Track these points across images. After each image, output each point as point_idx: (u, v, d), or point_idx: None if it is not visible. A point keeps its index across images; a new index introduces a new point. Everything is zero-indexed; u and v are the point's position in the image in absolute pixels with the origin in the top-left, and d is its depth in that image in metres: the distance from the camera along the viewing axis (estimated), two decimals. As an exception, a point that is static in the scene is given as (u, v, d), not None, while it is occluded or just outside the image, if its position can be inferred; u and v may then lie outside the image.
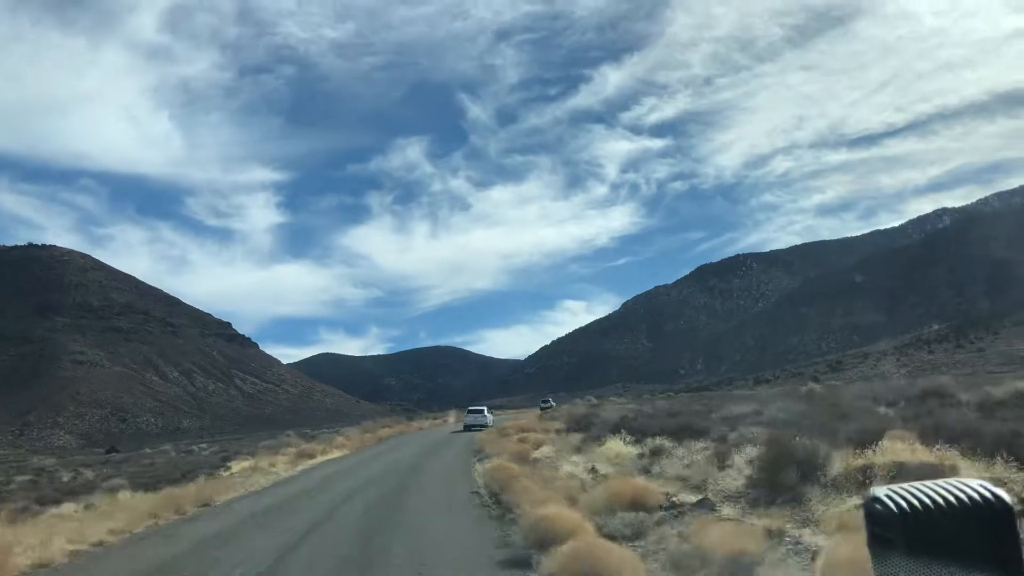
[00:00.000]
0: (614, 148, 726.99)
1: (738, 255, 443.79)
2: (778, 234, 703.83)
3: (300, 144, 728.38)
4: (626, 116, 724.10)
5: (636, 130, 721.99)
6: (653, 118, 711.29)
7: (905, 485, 1.38)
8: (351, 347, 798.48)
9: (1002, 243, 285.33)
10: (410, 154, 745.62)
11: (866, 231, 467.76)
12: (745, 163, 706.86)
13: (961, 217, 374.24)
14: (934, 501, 1.31)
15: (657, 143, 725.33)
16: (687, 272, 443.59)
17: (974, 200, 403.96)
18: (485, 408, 59.36)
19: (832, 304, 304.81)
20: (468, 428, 51.89)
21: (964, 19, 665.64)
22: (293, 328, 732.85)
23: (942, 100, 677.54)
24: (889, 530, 1.33)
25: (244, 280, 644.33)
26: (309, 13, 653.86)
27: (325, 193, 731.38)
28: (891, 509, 1.33)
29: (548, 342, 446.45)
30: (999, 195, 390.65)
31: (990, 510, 1.31)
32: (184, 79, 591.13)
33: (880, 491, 1.39)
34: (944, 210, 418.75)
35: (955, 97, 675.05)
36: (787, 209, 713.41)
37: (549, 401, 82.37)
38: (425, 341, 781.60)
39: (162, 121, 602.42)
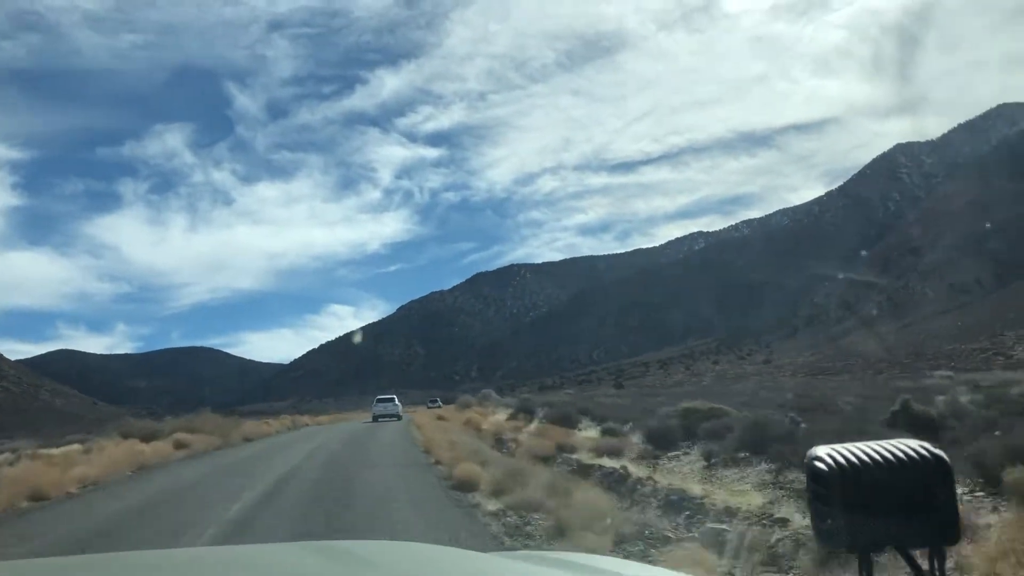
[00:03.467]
0: (389, 153, 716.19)
1: (512, 265, 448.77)
2: (542, 250, 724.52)
3: (45, 121, 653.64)
4: (402, 122, 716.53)
5: (411, 137, 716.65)
6: (429, 127, 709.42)
7: (847, 445, 1.42)
8: (94, 345, 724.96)
9: (753, 265, 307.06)
10: (170, 141, 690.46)
11: (626, 250, 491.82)
12: (515, 179, 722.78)
13: (715, 241, 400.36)
14: (872, 459, 1.34)
15: (432, 152, 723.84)
16: (460, 281, 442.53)
17: (725, 226, 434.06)
18: (395, 397, 53.22)
19: (602, 316, 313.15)
20: (377, 419, 48.12)
21: (716, 61, 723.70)
22: (26, 321, 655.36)
23: (693, 134, 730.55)
24: (828, 487, 1.35)
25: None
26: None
27: (71, 176, 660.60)
28: (831, 466, 1.35)
29: (315, 346, 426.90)
30: (747, 222, 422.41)
31: (927, 467, 1.34)
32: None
33: (821, 450, 1.42)
34: (700, 233, 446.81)
35: (704, 132, 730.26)
36: (551, 226, 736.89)
37: (436, 401, 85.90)
38: (178, 341, 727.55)
39: None
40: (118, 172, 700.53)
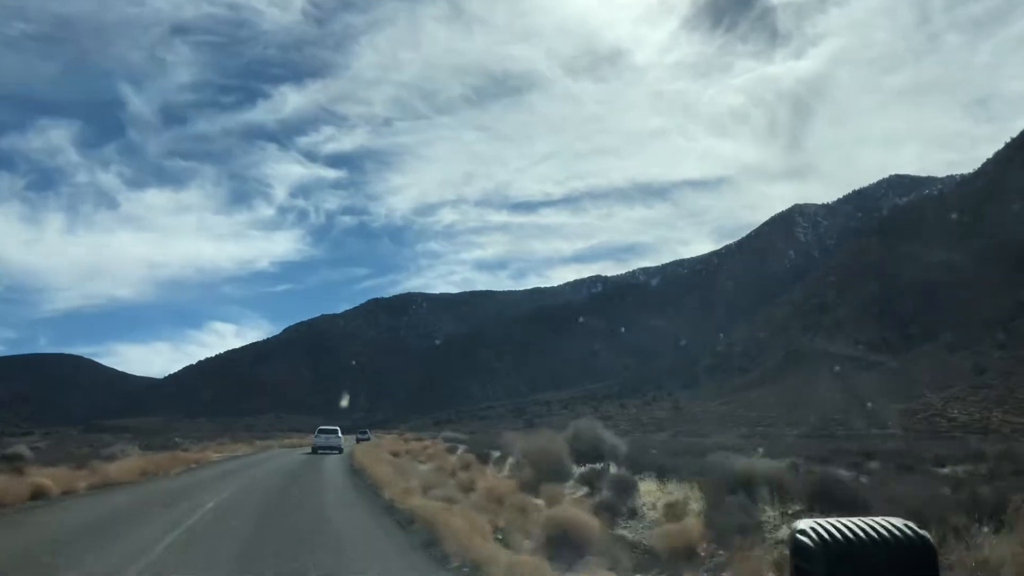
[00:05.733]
0: (286, 171, 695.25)
1: (409, 293, 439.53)
2: (437, 281, 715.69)
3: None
4: (302, 140, 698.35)
5: (311, 157, 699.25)
6: (330, 148, 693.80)
7: (831, 519, 1.37)
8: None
9: (650, 312, 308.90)
10: (54, 137, 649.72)
11: (522, 288, 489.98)
12: (414, 209, 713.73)
13: (612, 286, 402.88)
14: (857, 536, 1.29)
15: (331, 173, 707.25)
16: (352, 307, 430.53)
17: (622, 272, 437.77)
18: (338, 428, 48.82)
19: (498, 352, 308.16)
20: (317, 450, 44.56)
21: (618, 112, 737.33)
22: None
23: (593, 180, 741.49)
24: (812, 563, 1.30)
25: None
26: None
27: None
28: (815, 542, 1.31)
29: (193, 362, 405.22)
30: (644, 270, 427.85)
31: (912, 548, 1.29)
32: None
33: (805, 524, 1.37)
34: (598, 277, 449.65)
35: (604, 180, 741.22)
36: (448, 259, 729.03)
37: (366, 433, 77.09)
38: (45, 347, 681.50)
39: None
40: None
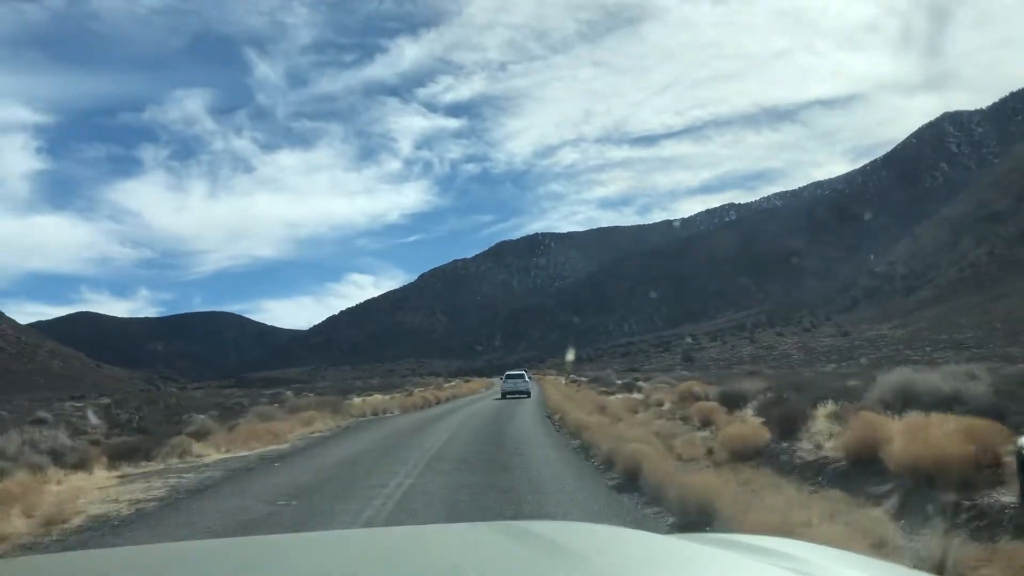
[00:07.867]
0: (408, 123, 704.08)
1: (537, 234, 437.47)
2: (561, 223, 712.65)
3: (66, 85, 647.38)
4: (422, 92, 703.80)
5: (431, 107, 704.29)
6: (448, 97, 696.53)
7: None
8: (117, 309, 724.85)
9: (791, 237, 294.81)
10: (190, 107, 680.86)
11: (650, 222, 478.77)
12: (535, 151, 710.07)
13: (747, 213, 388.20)
14: None
15: (452, 123, 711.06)
16: (481, 251, 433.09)
17: (756, 199, 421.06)
18: (525, 373, 48.75)
19: (631, 287, 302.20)
20: (506, 396, 43.48)
21: (738, 34, 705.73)
22: (51, 285, 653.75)
23: (715, 108, 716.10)
24: None
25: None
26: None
27: (93, 141, 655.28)
28: None
29: (335, 313, 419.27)
30: (780, 195, 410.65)
31: None
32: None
33: None
34: (731, 205, 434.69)
35: (727, 106, 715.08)
36: (571, 199, 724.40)
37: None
38: (200, 306, 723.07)
39: None
40: (139, 138, 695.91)
